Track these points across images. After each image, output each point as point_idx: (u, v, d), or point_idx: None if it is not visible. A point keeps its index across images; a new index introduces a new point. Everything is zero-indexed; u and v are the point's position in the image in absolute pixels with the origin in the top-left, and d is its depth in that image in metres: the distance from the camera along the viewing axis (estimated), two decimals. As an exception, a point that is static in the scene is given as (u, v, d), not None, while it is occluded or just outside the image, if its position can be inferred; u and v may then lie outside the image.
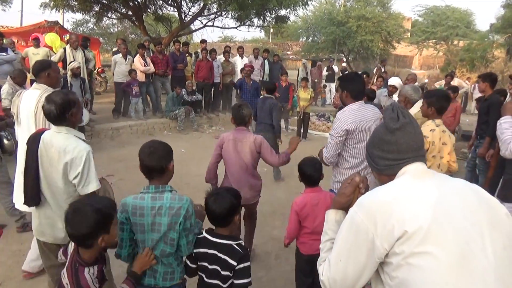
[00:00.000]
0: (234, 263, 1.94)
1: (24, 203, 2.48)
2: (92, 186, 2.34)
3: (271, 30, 30.73)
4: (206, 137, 8.06)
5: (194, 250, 2.03)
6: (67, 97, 2.34)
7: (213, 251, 1.98)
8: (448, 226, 1.14)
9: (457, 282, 1.10)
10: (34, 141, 2.39)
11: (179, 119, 9.06)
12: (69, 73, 6.84)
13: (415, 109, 3.44)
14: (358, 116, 2.88)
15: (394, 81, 6.61)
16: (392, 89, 6.46)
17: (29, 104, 3.17)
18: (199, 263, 2.05)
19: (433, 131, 2.98)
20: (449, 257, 1.11)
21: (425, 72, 25.28)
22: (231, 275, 1.95)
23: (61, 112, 2.29)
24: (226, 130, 9.71)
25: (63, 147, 2.29)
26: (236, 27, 14.40)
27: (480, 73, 5.88)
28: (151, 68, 8.94)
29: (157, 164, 1.96)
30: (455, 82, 10.13)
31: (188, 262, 2.11)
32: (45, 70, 3.20)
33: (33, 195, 2.39)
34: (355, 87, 2.95)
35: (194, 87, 9.75)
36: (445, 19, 23.63)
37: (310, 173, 2.66)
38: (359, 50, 20.68)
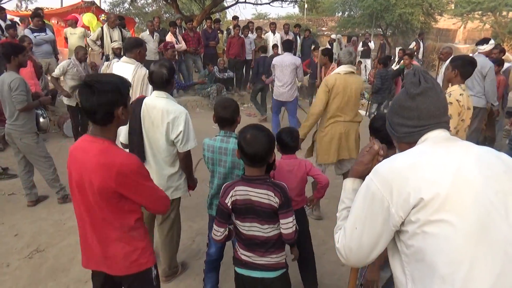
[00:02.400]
0: None
1: None
2: (191, 144, 2.62)
3: (305, 6, 29.99)
4: (237, 114, 8.09)
5: None
6: (172, 64, 2.67)
7: None
8: (468, 194, 1.09)
9: (475, 251, 1.06)
10: (137, 105, 2.62)
11: (211, 97, 9.13)
12: (110, 51, 7.11)
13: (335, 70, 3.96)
14: (279, 60, 6.25)
15: None
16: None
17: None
18: None
19: (462, 95, 3.15)
20: (467, 226, 1.07)
21: (470, 46, 23.83)
22: None
23: (170, 76, 2.59)
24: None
25: (166, 108, 2.54)
26: (268, 3, 14.18)
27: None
28: (183, 45, 9.01)
29: (229, 116, 2.41)
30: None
31: None
32: (137, 47, 3.40)
33: (139, 153, 2.64)
34: (285, 45, 6.38)
35: (226, 65, 9.74)
36: (493, -12, 21.97)
37: (287, 141, 2.73)
38: (398, 24, 19.67)
